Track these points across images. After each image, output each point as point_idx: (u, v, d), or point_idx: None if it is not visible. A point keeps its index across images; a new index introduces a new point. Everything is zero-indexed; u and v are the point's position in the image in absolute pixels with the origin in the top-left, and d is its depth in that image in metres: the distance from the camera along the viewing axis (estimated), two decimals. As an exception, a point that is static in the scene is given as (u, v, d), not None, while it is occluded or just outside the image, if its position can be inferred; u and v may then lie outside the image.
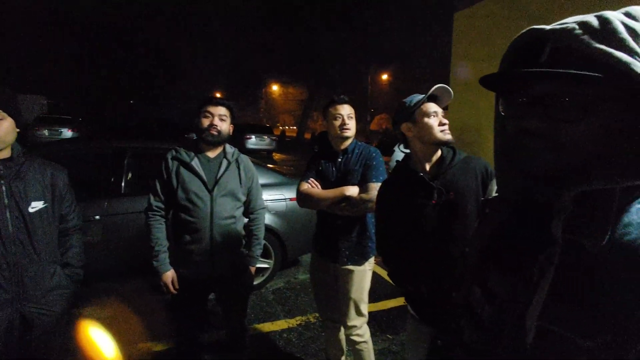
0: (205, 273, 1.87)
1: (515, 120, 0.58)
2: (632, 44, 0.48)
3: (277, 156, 18.85)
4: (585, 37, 0.49)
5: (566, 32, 0.51)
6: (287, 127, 53.75)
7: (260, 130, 18.55)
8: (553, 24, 0.54)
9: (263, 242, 3.32)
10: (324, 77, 26.61)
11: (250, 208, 2.03)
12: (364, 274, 1.94)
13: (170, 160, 1.87)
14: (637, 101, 0.49)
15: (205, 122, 1.83)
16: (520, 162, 0.58)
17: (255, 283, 3.47)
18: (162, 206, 1.89)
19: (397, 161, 1.60)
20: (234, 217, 1.89)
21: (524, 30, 0.57)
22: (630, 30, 0.49)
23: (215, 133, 1.83)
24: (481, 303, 0.64)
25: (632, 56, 0.47)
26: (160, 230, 1.87)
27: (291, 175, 4.02)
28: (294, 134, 34.06)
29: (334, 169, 1.98)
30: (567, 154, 0.53)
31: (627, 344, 0.45)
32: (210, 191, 1.83)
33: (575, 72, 0.48)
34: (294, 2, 22.69)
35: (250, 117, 40.64)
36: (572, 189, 0.52)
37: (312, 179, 2.00)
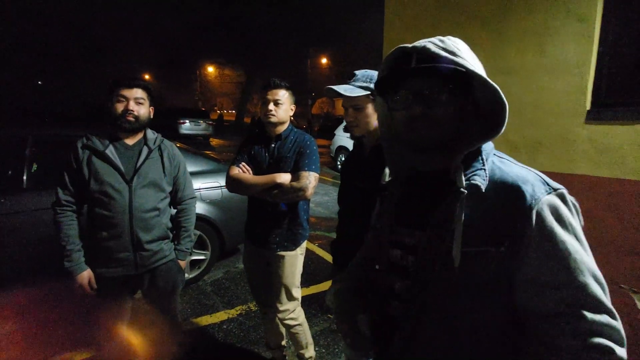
0: (127, 271, 1.73)
1: (404, 110, 0.76)
2: (459, 52, 0.73)
3: (214, 141, 18.08)
4: (436, 49, 0.72)
5: (424, 46, 0.73)
6: (225, 111, 51.40)
7: (195, 115, 17.59)
8: (413, 44, 0.75)
9: (196, 233, 3.21)
10: (262, 59, 25.82)
11: (177, 198, 1.90)
12: (295, 259, 1.95)
13: (80, 149, 1.67)
14: (468, 89, 0.74)
15: (120, 107, 1.65)
16: (412, 143, 0.77)
17: (191, 276, 3.34)
18: (73, 200, 1.70)
19: (339, 146, 1.62)
20: (157, 209, 1.75)
21: (394, 48, 0.78)
22: (455, 46, 0.74)
23: (131, 119, 1.66)
24: (404, 258, 0.82)
25: (461, 59, 0.71)
26: (71, 227, 1.68)
27: (229, 161, 3.86)
28: (233, 118, 32.81)
29: (266, 154, 1.92)
30: (445, 130, 0.75)
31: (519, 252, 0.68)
32: (128, 182, 1.67)
33: (437, 65, 0.71)
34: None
35: (184, 101, 38.13)
36: (461, 152, 0.75)
37: (243, 164, 1.94)
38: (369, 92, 1.33)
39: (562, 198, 0.69)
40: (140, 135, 1.77)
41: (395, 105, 0.79)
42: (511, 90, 2.30)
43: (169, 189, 1.83)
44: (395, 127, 0.81)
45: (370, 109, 1.36)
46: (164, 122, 15.53)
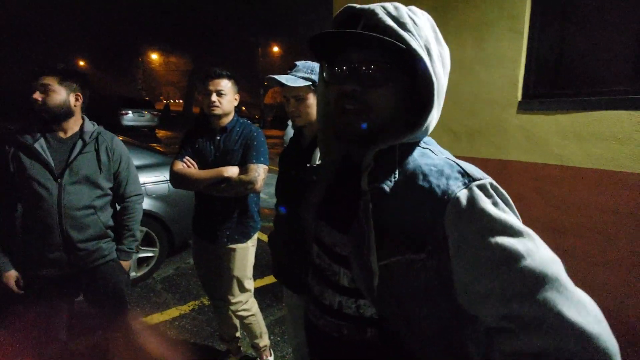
0: (61, 272, 1.61)
1: (337, 86, 0.65)
2: (411, 27, 0.61)
3: (161, 133, 17.13)
4: (384, 15, 0.61)
5: (372, 11, 0.61)
6: (171, 101, 48.68)
7: (138, 105, 16.49)
8: (363, 5, 0.63)
9: (143, 230, 3.04)
10: (210, 47, 24.71)
11: (119, 195, 1.78)
12: (246, 251, 1.93)
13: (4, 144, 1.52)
14: (411, 73, 0.62)
15: (31, 99, 1.53)
16: (340, 126, 0.66)
17: (139, 274, 3.18)
18: None
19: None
20: (92, 207, 1.63)
21: (343, 7, 0.65)
22: (410, 18, 0.62)
23: (37, 109, 1.53)
24: (320, 257, 0.74)
25: (409, 34, 0.60)
26: None
27: (175, 154, 3.69)
28: (180, 108, 31.20)
29: (212, 147, 1.86)
30: (373, 116, 0.63)
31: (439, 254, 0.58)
32: (57, 178, 1.55)
33: (371, 34, 0.57)
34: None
35: (126, 90, 35.42)
36: (374, 148, 0.64)
37: (187, 158, 1.86)
38: (310, 83, 1.33)
39: (483, 189, 0.56)
40: (76, 127, 1.64)
41: (330, 78, 0.67)
42: (452, 82, 2.42)
43: (107, 185, 1.70)
44: (330, 105, 0.68)
45: (311, 99, 1.35)
46: (104, 113, 14.38)
